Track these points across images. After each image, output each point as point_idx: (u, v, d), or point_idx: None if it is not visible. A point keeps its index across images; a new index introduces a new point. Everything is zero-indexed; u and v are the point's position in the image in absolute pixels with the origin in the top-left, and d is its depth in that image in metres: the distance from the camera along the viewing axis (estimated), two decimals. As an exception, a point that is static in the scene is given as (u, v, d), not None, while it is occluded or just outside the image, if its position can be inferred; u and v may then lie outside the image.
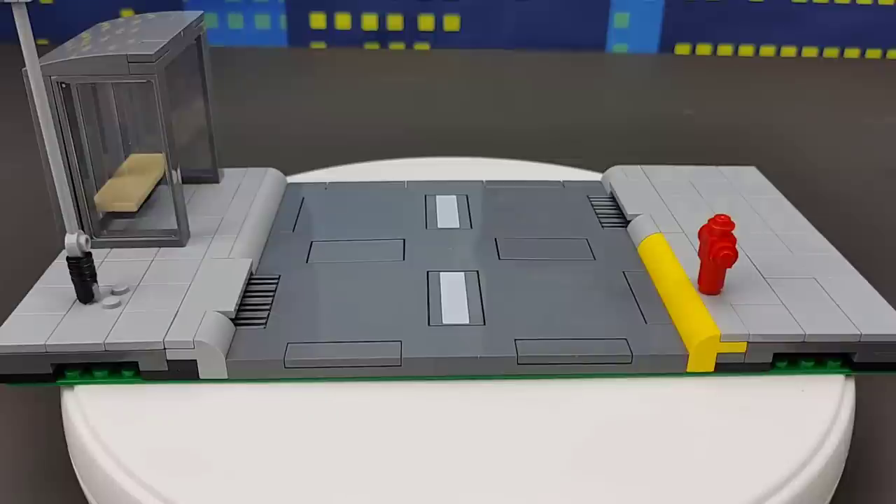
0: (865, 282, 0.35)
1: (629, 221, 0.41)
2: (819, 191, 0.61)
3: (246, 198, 0.42)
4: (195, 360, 0.30)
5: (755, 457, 0.28)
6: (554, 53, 0.99)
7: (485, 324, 0.33)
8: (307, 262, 0.37)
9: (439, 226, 0.41)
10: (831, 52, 1.00)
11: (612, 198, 0.44)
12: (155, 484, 0.27)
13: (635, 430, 0.29)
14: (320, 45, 1.01)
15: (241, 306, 0.33)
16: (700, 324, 0.31)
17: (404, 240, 0.39)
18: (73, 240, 0.31)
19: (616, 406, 0.30)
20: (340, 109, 0.79)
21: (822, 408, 0.30)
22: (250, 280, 0.36)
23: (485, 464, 0.27)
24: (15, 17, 0.28)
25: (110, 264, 0.35)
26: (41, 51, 0.30)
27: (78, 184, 0.36)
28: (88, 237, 0.32)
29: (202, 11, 0.41)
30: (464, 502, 0.26)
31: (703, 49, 1.01)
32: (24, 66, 0.30)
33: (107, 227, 0.38)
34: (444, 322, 0.33)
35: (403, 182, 0.46)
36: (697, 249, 0.34)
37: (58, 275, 0.34)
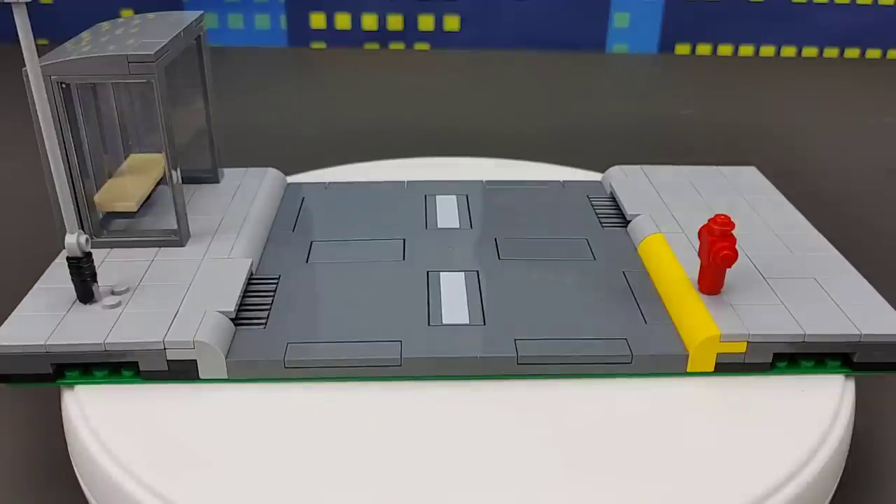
0: (865, 282, 0.35)
1: (629, 221, 0.41)
2: (819, 191, 0.61)
3: (246, 198, 0.42)
4: (195, 360, 0.30)
5: (755, 456, 0.28)
6: (554, 53, 0.99)
7: (485, 324, 0.33)
8: (307, 262, 0.37)
9: (439, 226, 0.41)
10: (831, 52, 1.00)
11: (612, 198, 0.44)
12: (155, 484, 0.27)
13: (635, 430, 0.29)
14: (320, 45, 1.01)
15: (241, 306, 0.33)
16: (700, 324, 0.31)
17: (404, 240, 0.39)
18: (73, 240, 0.31)
19: (616, 406, 0.30)
20: (340, 109, 0.79)
21: (822, 408, 0.30)
22: (250, 280, 0.36)
23: (485, 463, 0.27)
24: (15, 17, 0.28)
25: (110, 264, 0.35)
26: (41, 51, 0.30)
27: (78, 184, 0.36)
28: (88, 237, 0.32)
29: (202, 11, 0.41)
30: (463, 502, 0.26)
31: (703, 49, 1.01)
32: (24, 66, 0.30)
33: (107, 227, 0.38)
34: (444, 322, 0.33)
35: (403, 182, 0.46)
36: (697, 249, 0.34)
37: (58, 275, 0.34)
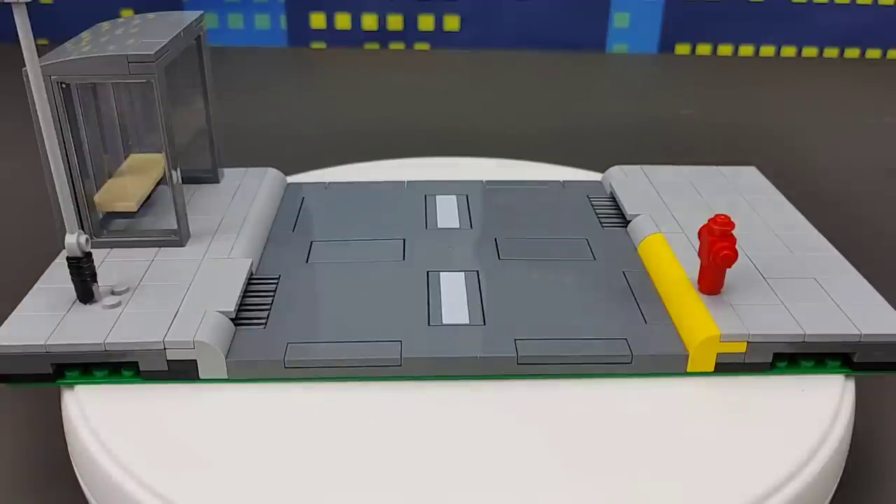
0: (865, 282, 0.35)
1: (629, 221, 0.41)
2: (819, 191, 0.61)
3: (246, 198, 0.42)
4: (195, 360, 0.30)
5: (755, 457, 0.28)
6: (554, 53, 0.99)
7: (485, 324, 0.33)
8: (307, 262, 0.37)
9: (439, 226, 0.41)
10: (831, 52, 1.00)
11: (612, 198, 0.44)
12: (155, 484, 0.27)
13: (635, 430, 0.29)
14: (320, 45, 1.01)
15: (241, 306, 0.33)
16: (700, 324, 0.31)
17: (404, 240, 0.39)
18: (73, 240, 0.31)
19: (616, 406, 0.30)
20: (340, 109, 0.79)
21: (822, 408, 0.30)
22: (250, 280, 0.36)
23: (485, 463, 0.27)
24: (15, 17, 0.28)
25: (110, 264, 0.35)
26: (41, 51, 0.30)
27: (78, 184, 0.36)
28: (88, 237, 0.32)
29: (202, 11, 0.41)
30: (463, 502, 0.26)
31: (703, 49, 1.01)
32: (24, 66, 0.30)
33: (107, 227, 0.38)
34: (444, 322, 0.33)
35: (403, 182, 0.46)
36: (697, 249, 0.34)
37: (58, 275, 0.34)
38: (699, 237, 0.33)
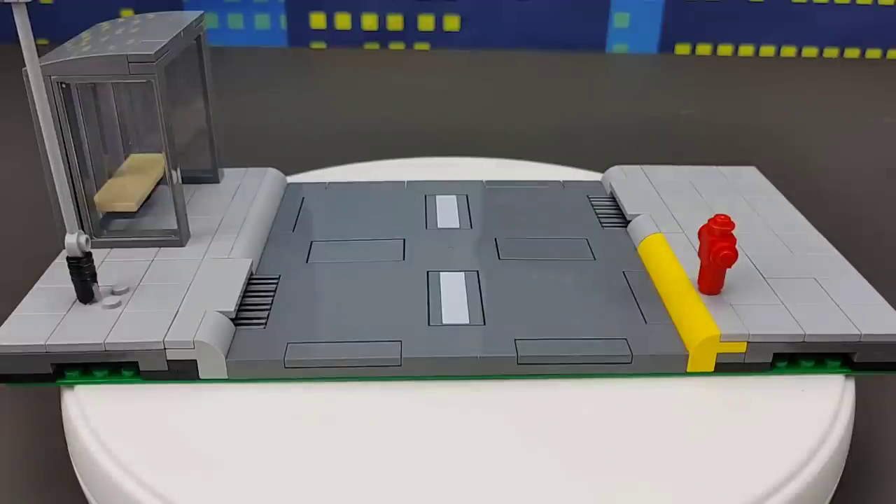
0: (865, 282, 0.35)
1: (629, 221, 0.41)
2: (819, 191, 0.61)
3: (246, 198, 0.42)
4: (195, 360, 0.30)
5: (755, 457, 0.28)
6: (554, 53, 0.99)
7: (485, 324, 0.33)
8: (307, 262, 0.37)
9: (439, 226, 0.41)
10: (831, 52, 1.00)
11: (612, 198, 0.44)
12: (155, 484, 0.27)
13: (635, 430, 0.29)
14: (320, 45, 1.01)
15: (241, 306, 0.33)
16: (700, 324, 0.31)
17: (404, 240, 0.39)
18: (73, 240, 0.31)
19: (616, 406, 0.30)
20: (340, 109, 0.79)
21: (822, 408, 0.30)
22: (250, 280, 0.36)
23: (484, 463, 0.27)
24: (15, 17, 0.28)
25: (110, 264, 0.35)
26: (41, 51, 0.31)
27: (78, 184, 0.36)
28: (88, 237, 0.32)
29: (202, 11, 0.41)
30: (463, 502, 0.26)
31: (703, 49, 1.01)
32: (24, 66, 0.30)
33: (107, 227, 0.38)
34: (444, 322, 0.33)
35: (403, 182, 0.46)
36: (697, 249, 0.34)
37: (58, 275, 0.34)
38: (699, 237, 0.33)
